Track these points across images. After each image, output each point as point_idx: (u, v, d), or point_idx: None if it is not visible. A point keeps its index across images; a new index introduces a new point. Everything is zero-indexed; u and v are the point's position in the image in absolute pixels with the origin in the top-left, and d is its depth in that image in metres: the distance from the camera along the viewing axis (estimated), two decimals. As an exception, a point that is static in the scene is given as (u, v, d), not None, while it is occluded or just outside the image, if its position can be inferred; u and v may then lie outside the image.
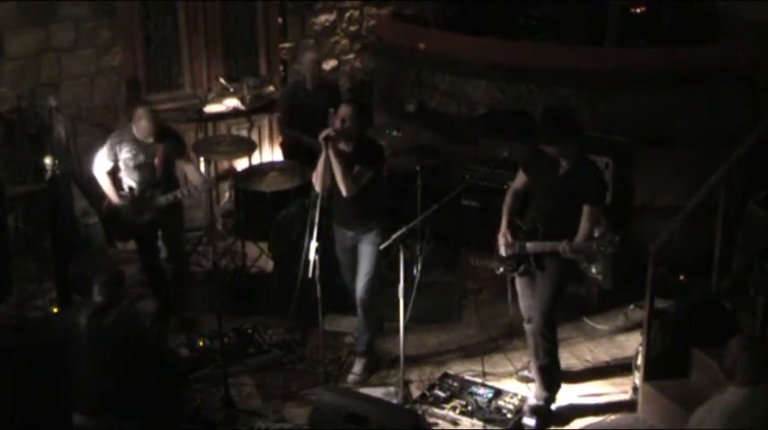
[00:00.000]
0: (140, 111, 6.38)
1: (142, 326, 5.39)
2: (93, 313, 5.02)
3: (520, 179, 5.66)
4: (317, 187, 5.84)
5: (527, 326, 5.74)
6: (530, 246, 5.44)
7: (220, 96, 8.32)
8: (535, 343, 5.62)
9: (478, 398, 5.79)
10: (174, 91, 8.33)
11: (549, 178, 5.42)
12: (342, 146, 5.80)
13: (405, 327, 5.67)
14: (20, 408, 4.35)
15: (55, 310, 6.54)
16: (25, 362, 4.47)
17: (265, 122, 8.45)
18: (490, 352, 6.38)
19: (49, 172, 6.75)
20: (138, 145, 6.37)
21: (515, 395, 5.84)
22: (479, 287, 7.15)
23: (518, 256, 5.51)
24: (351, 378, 6.10)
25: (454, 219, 7.05)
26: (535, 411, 5.64)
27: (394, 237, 5.54)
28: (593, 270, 6.69)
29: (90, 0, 7.70)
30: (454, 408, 5.71)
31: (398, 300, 5.58)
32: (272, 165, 7.44)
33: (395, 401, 5.74)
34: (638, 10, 7.91)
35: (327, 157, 5.71)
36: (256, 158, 8.02)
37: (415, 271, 5.79)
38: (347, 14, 9.21)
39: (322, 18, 9.05)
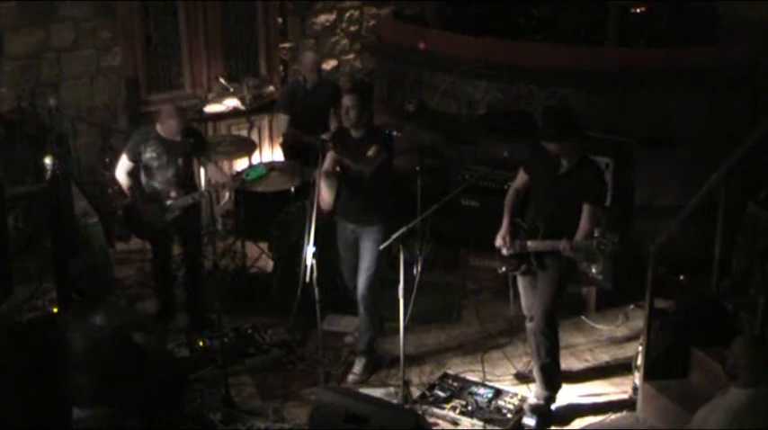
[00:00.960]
0: (168, 110, 6.31)
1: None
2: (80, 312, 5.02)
3: (521, 179, 5.66)
4: (324, 207, 5.87)
5: (528, 326, 5.74)
6: (530, 244, 5.45)
7: (220, 96, 8.32)
8: (536, 342, 5.62)
9: (478, 398, 5.79)
10: (174, 91, 8.34)
11: (550, 177, 5.43)
12: (353, 133, 5.88)
13: (405, 327, 5.67)
14: (20, 407, 4.35)
15: (55, 310, 6.53)
16: (25, 362, 4.47)
17: (265, 122, 8.46)
18: (490, 352, 6.38)
19: (49, 172, 6.75)
20: (163, 145, 6.28)
21: (515, 395, 5.84)
22: (479, 287, 7.16)
23: (519, 256, 5.51)
24: (351, 378, 6.10)
25: (454, 219, 7.06)
26: (535, 410, 5.64)
27: (394, 236, 5.54)
28: (594, 270, 6.70)
29: (90, 0, 7.71)
30: (454, 408, 5.70)
31: (398, 300, 5.58)
32: (271, 165, 7.43)
33: (395, 401, 5.74)
34: (638, 10, 7.92)
35: (328, 171, 5.82)
36: (256, 158, 8.03)
37: (415, 271, 5.78)
38: (347, 14, 9.22)
39: (322, 18, 9.06)
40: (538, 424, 5.59)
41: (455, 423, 5.64)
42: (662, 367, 5.60)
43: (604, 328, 6.70)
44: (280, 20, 8.77)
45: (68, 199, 7.00)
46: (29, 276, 6.86)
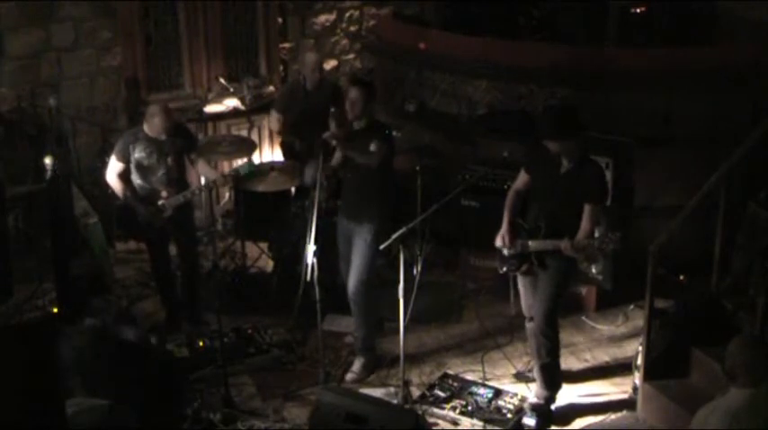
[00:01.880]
0: (153, 109, 6.32)
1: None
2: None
3: (521, 179, 5.66)
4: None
5: (529, 326, 5.74)
6: (531, 244, 5.45)
7: (220, 96, 8.33)
8: (537, 342, 5.62)
9: (478, 398, 5.79)
10: (174, 91, 8.34)
11: (551, 177, 5.43)
12: (355, 124, 5.90)
13: (405, 327, 5.67)
14: (19, 407, 4.34)
15: (55, 310, 6.53)
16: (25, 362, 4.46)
17: (265, 122, 8.46)
18: (490, 352, 6.38)
19: (49, 172, 6.75)
20: (152, 144, 6.29)
21: (515, 395, 5.83)
22: (479, 287, 7.15)
23: (520, 255, 5.51)
24: (349, 376, 6.10)
25: (454, 219, 7.06)
26: (535, 410, 5.64)
27: (394, 236, 5.54)
28: (594, 270, 6.70)
29: (90, 0, 7.71)
30: (454, 408, 5.70)
31: (398, 300, 5.58)
32: (271, 165, 7.44)
33: (395, 401, 5.74)
34: (638, 10, 7.90)
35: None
36: (256, 158, 8.03)
37: (415, 271, 5.78)
38: (347, 14, 9.22)
39: (322, 18, 9.06)
40: (538, 424, 5.58)
41: (455, 423, 5.64)
42: (662, 367, 5.60)
43: (604, 328, 6.71)
44: (280, 20, 8.77)
45: (68, 199, 7.00)
46: (29, 276, 6.87)
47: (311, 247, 5.65)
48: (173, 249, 6.72)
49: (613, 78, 7.54)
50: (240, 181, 6.85)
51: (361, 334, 6.14)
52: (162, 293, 6.73)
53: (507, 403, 5.75)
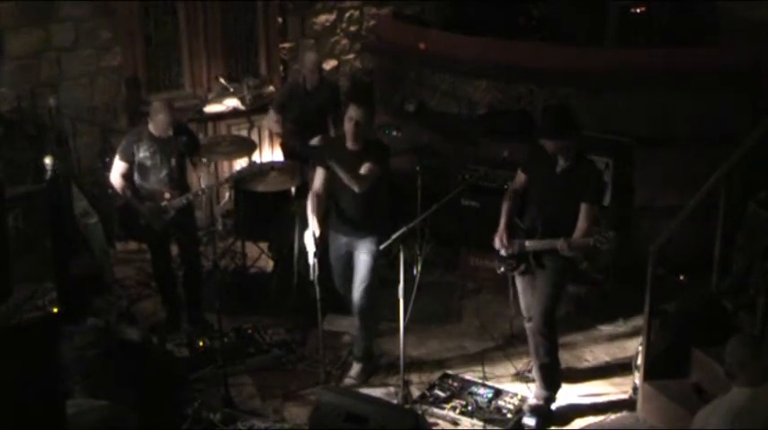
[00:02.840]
0: (157, 105, 6.30)
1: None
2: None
3: (519, 179, 5.66)
4: (312, 223, 5.71)
5: (527, 325, 5.74)
6: (529, 244, 5.45)
7: (220, 96, 8.32)
8: (535, 342, 5.62)
9: (478, 398, 5.79)
10: (174, 91, 8.34)
11: (548, 176, 5.43)
12: (349, 145, 5.78)
13: (405, 327, 5.67)
14: (18, 406, 4.35)
15: (55, 310, 6.53)
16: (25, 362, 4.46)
17: (265, 122, 8.46)
18: (490, 351, 6.39)
19: (49, 172, 6.75)
20: (156, 144, 6.27)
21: (515, 395, 5.83)
22: (479, 287, 7.16)
23: (518, 255, 5.51)
24: (347, 381, 6.08)
25: (454, 219, 7.06)
26: (535, 410, 5.64)
27: (394, 237, 5.53)
28: (593, 269, 6.69)
29: (90, 0, 7.70)
30: (454, 408, 5.70)
31: (398, 300, 5.58)
32: (271, 165, 7.44)
33: (395, 401, 5.74)
34: (638, 10, 7.91)
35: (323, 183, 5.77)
36: (256, 158, 8.03)
37: (415, 271, 5.77)
38: (347, 14, 9.22)
39: (322, 18, 9.05)
40: (538, 424, 5.58)
41: (455, 423, 5.64)
42: (662, 367, 5.60)
43: (604, 328, 6.70)
44: (280, 20, 8.77)
45: (68, 199, 7.01)
46: (29, 276, 6.87)
47: (311, 248, 5.65)
48: (173, 249, 6.73)
49: (613, 78, 7.54)
50: (240, 181, 6.85)
51: (364, 343, 6.12)
52: (162, 293, 6.73)
53: (507, 403, 5.75)
